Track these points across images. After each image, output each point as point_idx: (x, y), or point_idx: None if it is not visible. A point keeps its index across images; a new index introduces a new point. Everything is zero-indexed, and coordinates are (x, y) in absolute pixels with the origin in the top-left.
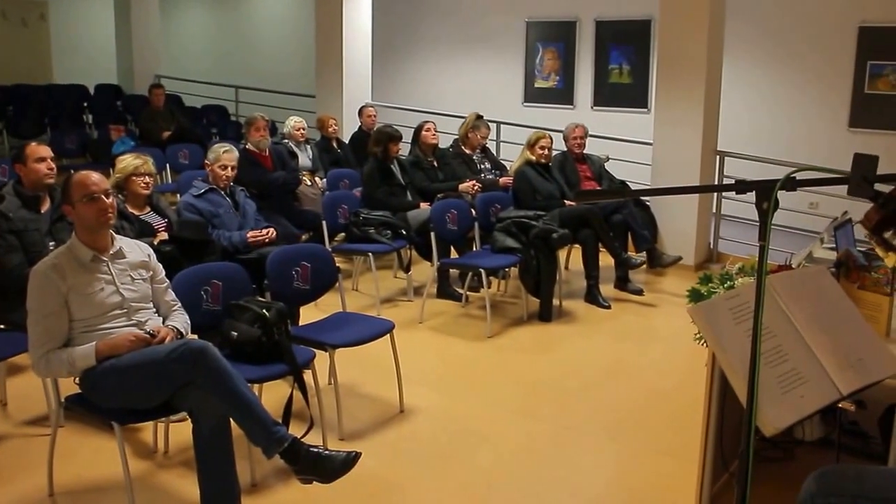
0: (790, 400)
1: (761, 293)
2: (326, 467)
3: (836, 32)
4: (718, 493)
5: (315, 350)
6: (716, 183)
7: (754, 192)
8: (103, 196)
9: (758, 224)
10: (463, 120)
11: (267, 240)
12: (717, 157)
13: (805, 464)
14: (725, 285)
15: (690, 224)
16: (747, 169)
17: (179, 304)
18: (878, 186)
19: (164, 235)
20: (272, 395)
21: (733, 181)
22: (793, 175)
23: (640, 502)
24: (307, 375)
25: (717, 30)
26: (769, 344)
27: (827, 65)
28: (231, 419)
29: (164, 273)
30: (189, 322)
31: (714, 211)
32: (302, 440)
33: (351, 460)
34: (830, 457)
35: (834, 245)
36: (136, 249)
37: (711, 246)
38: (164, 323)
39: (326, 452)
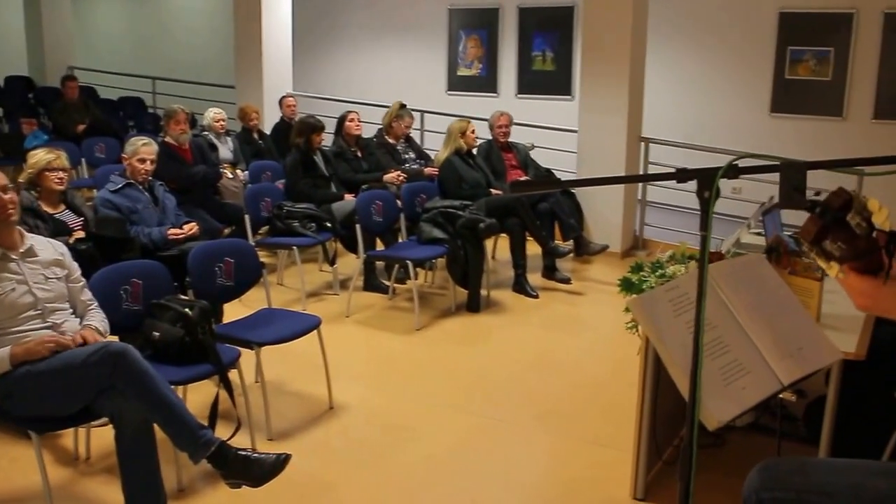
0: (732, 392)
1: (703, 283)
2: (256, 470)
3: (758, 18)
4: (653, 482)
5: (241, 348)
6: (641, 169)
7: (695, 181)
8: (0, 192)
9: (683, 210)
10: (386, 109)
11: (188, 235)
12: (642, 143)
13: (737, 449)
14: (657, 273)
15: (616, 211)
16: (672, 155)
17: (96, 304)
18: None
19: (80, 234)
20: (197, 397)
21: (659, 168)
22: (734, 163)
23: (575, 493)
24: (233, 374)
25: (640, 16)
26: (710, 335)
27: (749, 50)
28: (155, 423)
29: (79, 272)
30: (107, 321)
31: (640, 198)
32: (229, 443)
33: (281, 462)
34: (762, 442)
35: (762, 230)
36: (48, 247)
37: (637, 233)
38: (80, 324)
39: (255, 455)
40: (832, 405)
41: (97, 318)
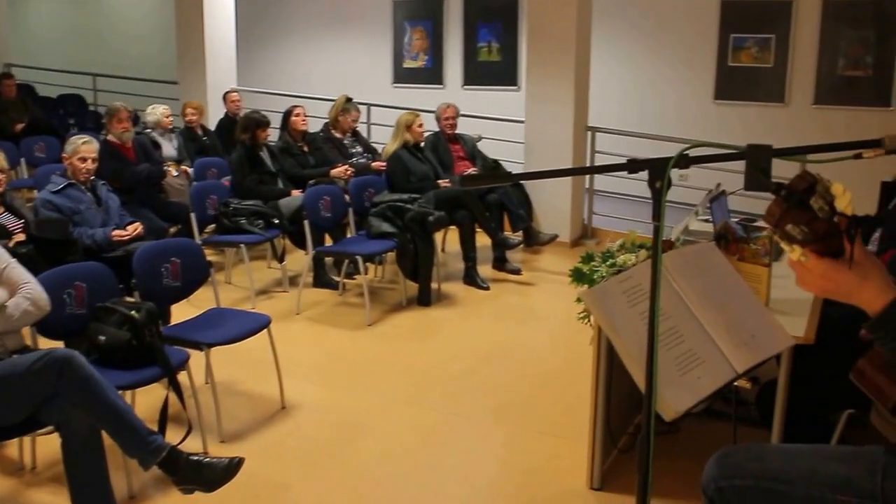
0: (688, 382)
1: (658, 273)
2: (208, 475)
3: (700, 6)
4: (609, 471)
5: (189, 350)
6: (588, 159)
7: (647, 171)
8: None
9: (630, 198)
10: (332, 103)
11: (133, 236)
12: (589, 133)
13: (692, 435)
14: (608, 263)
15: (564, 201)
16: (618, 144)
17: (32, 281)
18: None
19: (21, 237)
20: (146, 400)
21: (606, 157)
22: (685, 152)
23: (532, 485)
24: (182, 376)
25: (585, 5)
26: (665, 325)
27: (692, 38)
28: (103, 431)
29: (8, 256)
30: (37, 295)
31: (587, 187)
32: (181, 448)
33: (234, 466)
34: (716, 427)
35: (709, 217)
36: None
37: (586, 222)
38: None
39: (207, 460)
40: (783, 389)
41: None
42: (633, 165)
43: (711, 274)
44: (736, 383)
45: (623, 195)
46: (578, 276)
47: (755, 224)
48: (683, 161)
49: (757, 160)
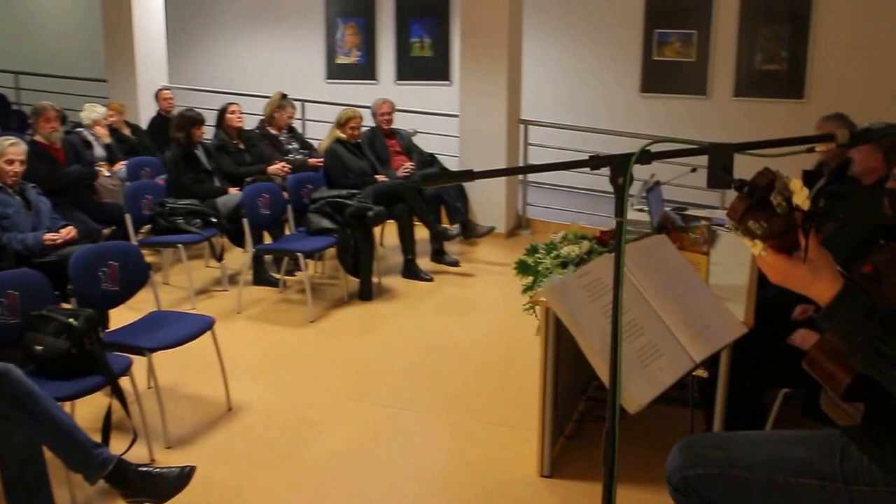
0: (650, 374)
1: (620, 269)
2: (160, 486)
3: (626, 3)
4: (557, 458)
5: (131, 356)
6: (521, 152)
7: (609, 168)
8: None
9: (562, 189)
10: (267, 100)
11: (66, 240)
12: (522, 126)
13: (639, 421)
14: (552, 254)
15: (499, 193)
16: (550, 136)
17: None
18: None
19: None
20: (86, 410)
21: (539, 149)
22: (647, 148)
23: (482, 475)
24: (125, 382)
25: (516, 1)
26: (625, 319)
27: (619, 34)
28: (44, 446)
29: None
30: None
31: (521, 178)
32: (127, 457)
33: (186, 475)
34: (664, 412)
35: (645, 207)
36: None
37: (520, 213)
38: None
39: (158, 470)
40: (724, 375)
41: None
42: (595, 161)
43: (665, 266)
44: (695, 374)
45: (556, 186)
46: (523, 268)
47: (692, 213)
48: (645, 157)
49: (719, 159)
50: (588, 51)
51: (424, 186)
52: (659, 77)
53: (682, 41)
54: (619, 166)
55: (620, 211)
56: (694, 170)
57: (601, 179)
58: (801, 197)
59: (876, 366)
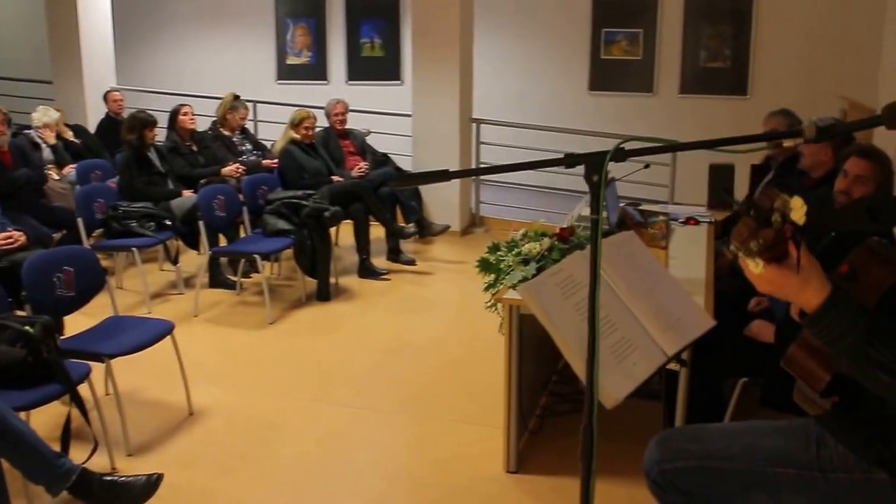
0: (625, 369)
1: (597, 266)
2: (125, 496)
3: (574, 2)
4: (522, 453)
5: (90, 362)
6: (473, 150)
7: (583, 165)
8: None
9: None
10: (219, 101)
11: (16, 245)
12: (474, 125)
13: (602, 414)
14: (513, 252)
15: (453, 191)
16: (501, 134)
17: None
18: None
19: None
20: (44, 419)
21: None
22: (621, 146)
23: (448, 473)
24: (83, 389)
25: (467, 1)
26: (599, 315)
27: (567, 33)
28: (2, 457)
29: None
30: None
31: (474, 177)
32: (92, 470)
33: (153, 484)
34: (624, 404)
35: (603, 203)
36: None
37: (474, 211)
38: None
39: (123, 479)
40: (687, 368)
41: None
42: (570, 160)
43: (635, 262)
44: (669, 367)
45: (509, 184)
46: (485, 266)
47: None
48: (619, 155)
49: (720, 181)
50: (537, 50)
51: (400, 187)
52: (606, 75)
53: (628, 40)
54: (593, 164)
55: (596, 208)
56: (647, 166)
57: (554, 177)
58: (800, 214)
59: (863, 369)
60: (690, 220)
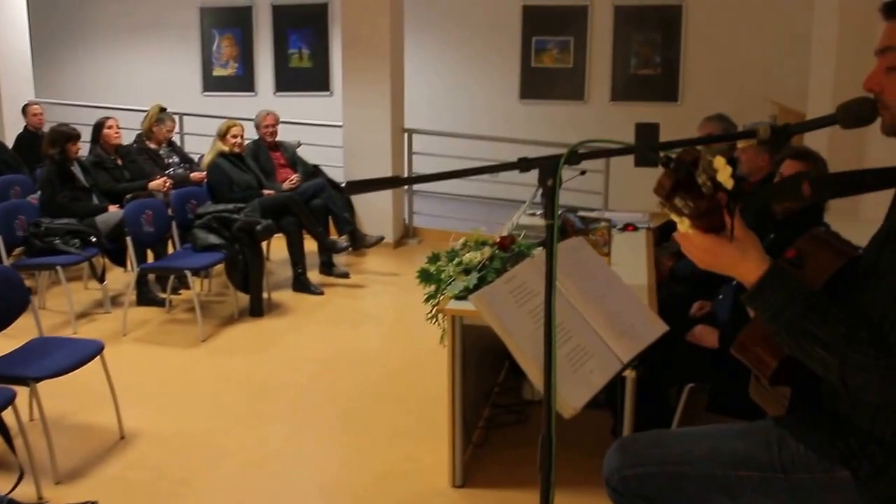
0: (581, 377)
1: (553, 273)
2: None
3: (504, 11)
4: (467, 466)
5: (14, 387)
6: (405, 160)
7: (537, 170)
8: None
9: (447, 197)
10: (144, 114)
11: None
12: (406, 134)
13: (537, 423)
14: (454, 262)
15: (386, 202)
16: (434, 144)
17: None
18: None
19: None
20: None
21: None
22: (576, 149)
23: (393, 489)
24: (7, 415)
25: (397, 12)
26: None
27: (498, 42)
28: None
29: None
30: None
31: (407, 187)
32: (18, 500)
33: None
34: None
35: (540, 211)
36: None
37: (407, 222)
38: None
39: None
40: (633, 378)
41: None
42: (523, 164)
43: (586, 268)
44: (625, 374)
45: (442, 194)
46: (425, 277)
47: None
48: (574, 158)
49: (646, 138)
50: (468, 59)
51: (351, 195)
52: (538, 84)
53: (559, 48)
54: (547, 168)
55: (551, 214)
56: (583, 173)
57: (488, 186)
58: (725, 175)
59: (802, 345)
60: (629, 227)
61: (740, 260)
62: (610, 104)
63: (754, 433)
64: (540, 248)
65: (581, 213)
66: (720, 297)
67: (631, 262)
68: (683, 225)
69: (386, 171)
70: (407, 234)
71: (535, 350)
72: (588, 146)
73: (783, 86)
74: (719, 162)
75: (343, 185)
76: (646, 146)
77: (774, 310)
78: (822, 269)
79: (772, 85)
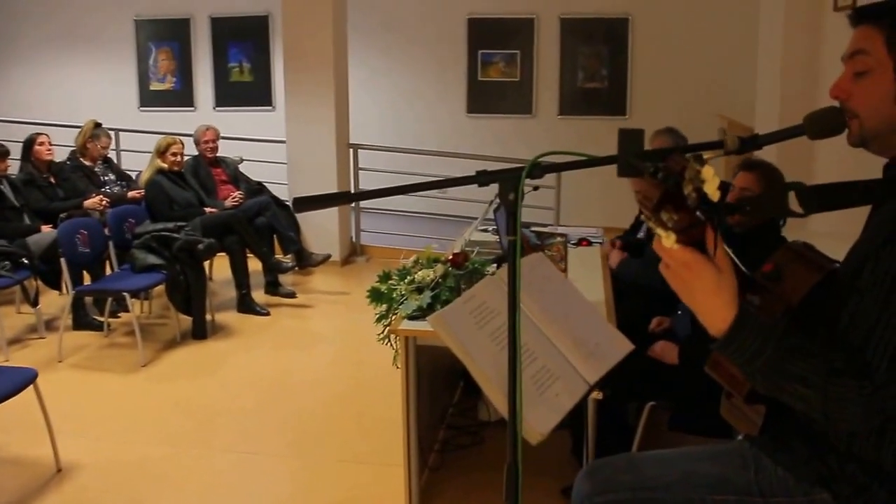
0: (548, 400)
1: (517, 291)
2: None
3: (449, 24)
4: (424, 491)
5: None
6: (351, 176)
7: (497, 184)
8: None
9: (394, 214)
10: (79, 129)
11: None
12: (351, 150)
13: (495, 444)
14: (406, 280)
15: (332, 220)
16: (380, 159)
17: None
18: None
19: None
20: None
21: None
22: (538, 161)
23: None
24: None
25: (340, 25)
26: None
27: (444, 55)
28: None
29: None
30: None
31: (353, 204)
32: None
33: None
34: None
35: (492, 227)
36: None
37: (354, 240)
38: None
39: None
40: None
41: None
42: (483, 178)
43: (548, 286)
44: (592, 396)
45: (389, 211)
46: (376, 296)
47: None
48: (537, 171)
49: (630, 145)
50: (413, 73)
51: (298, 212)
52: (485, 97)
53: (505, 62)
54: (508, 182)
55: (513, 229)
56: (536, 188)
57: (436, 203)
58: (713, 187)
59: (780, 385)
60: (583, 241)
61: (714, 291)
62: (558, 118)
63: (729, 455)
64: (495, 266)
65: (534, 229)
66: (679, 312)
67: (587, 277)
68: (669, 240)
69: (331, 188)
70: (354, 252)
71: (499, 373)
72: (564, 158)
73: (731, 100)
74: (707, 172)
75: (288, 202)
76: (630, 154)
77: (748, 356)
78: (801, 282)
79: (720, 99)
